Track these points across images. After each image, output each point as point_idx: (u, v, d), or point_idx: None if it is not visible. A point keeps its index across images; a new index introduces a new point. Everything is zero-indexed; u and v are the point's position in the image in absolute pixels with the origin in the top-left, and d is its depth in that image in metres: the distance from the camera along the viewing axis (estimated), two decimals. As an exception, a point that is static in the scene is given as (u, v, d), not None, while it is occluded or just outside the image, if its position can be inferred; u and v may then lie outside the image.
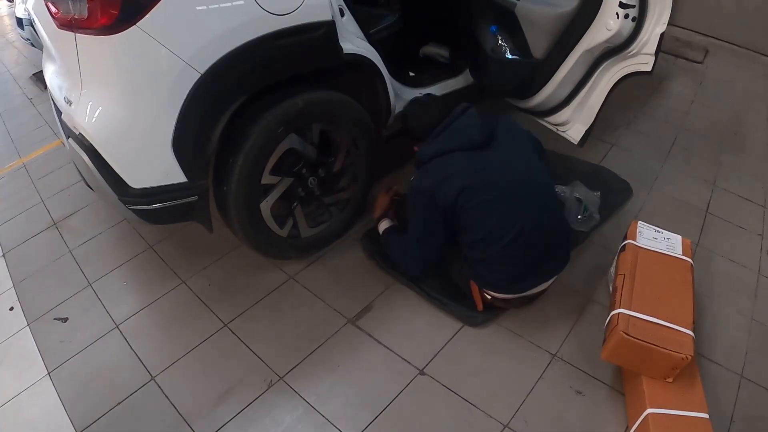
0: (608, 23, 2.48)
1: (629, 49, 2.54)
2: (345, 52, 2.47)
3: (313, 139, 2.57)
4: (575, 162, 3.28)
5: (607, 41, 2.52)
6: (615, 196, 3.10)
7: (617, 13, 2.45)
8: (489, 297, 2.46)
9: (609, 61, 2.63)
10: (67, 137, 2.48)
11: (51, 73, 2.60)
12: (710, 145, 3.79)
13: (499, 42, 2.85)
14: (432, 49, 3.50)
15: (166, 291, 2.76)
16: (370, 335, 2.50)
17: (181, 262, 2.91)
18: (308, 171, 2.64)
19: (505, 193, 2.23)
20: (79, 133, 2.27)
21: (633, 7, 2.44)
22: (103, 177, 2.25)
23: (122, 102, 2.12)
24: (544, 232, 2.30)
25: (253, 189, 2.44)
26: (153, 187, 2.22)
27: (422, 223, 2.41)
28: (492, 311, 2.52)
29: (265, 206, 2.53)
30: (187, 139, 2.17)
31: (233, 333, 2.54)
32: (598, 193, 2.93)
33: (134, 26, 1.99)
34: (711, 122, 4.05)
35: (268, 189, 2.52)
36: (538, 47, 2.74)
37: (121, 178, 2.20)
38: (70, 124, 2.37)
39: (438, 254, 2.48)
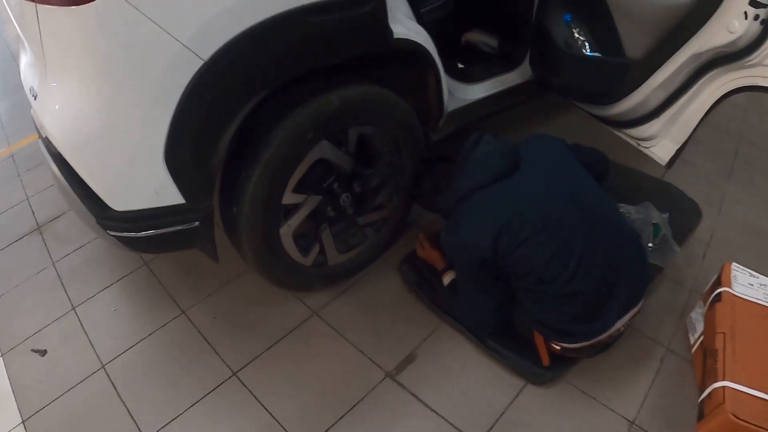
0: (731, 24, 1.71)
1: (749, 58, 1.77)
2: (395, 36, 1.71)
3: (349, 146, 1.82)
4: (637, 175, 2.51)
5: (724, 46, 1.78)
6: (685, 219, 2.36)
7: (745, 13, 1.70)
8: (558, 348, 1.79)
9: (718, 70, 1.87)
10: (39, 137, 1.76)
11: (23, 56, 1.86)
12: None
13: (576, 34, 2.08)
14: (477, 37, 2.68)
15: (163, 323, 2.04)
16: (414, 395, 1.80)
17: (181, 286, 2.17)
18: (341, 186, 1.89)
19: (552, 219, 1.68)
20: (45, 137, 1.55)
21: (766, 6, 1.70)
22: (75, 194, 1.54)
23: (96, 98, 1.40)
24: (611, 256, 1.71)
25: (271, 211, 1.71)
26: (140, 210, 1.51)
27: (467, 281, 1.82)
28: (560, 365, 1.84)
29: (287, 231, 1.80)
30: (184, 149, 1.46)
31: (244, 385, 1.83)
32: (667, 214, 2.21)
33: None
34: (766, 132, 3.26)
35: (290, 210, 1.78)
36: (637, 45, 1.94)
37: (98, 198, 1.49)
38: (37, 122, 1.64)
39: (497, 313, 1.84)
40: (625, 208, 2.20)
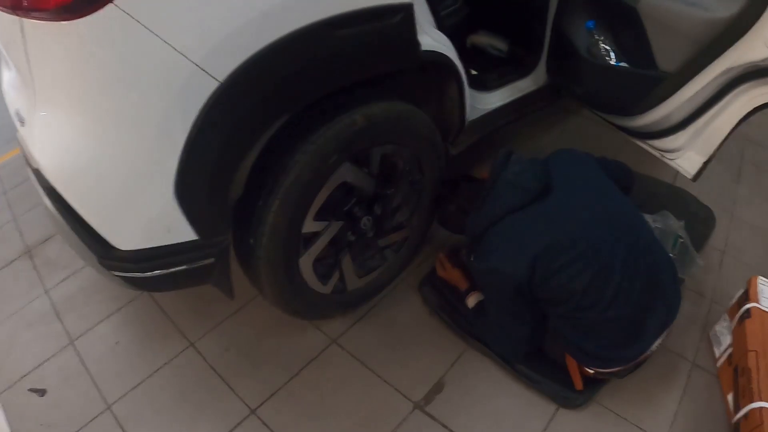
0: None
1: None
2: (423, 48, 1.50)
3: (372, 167, 1.61)
4: (651, 182, 2.35)
5: (762, 60, 1.59)
6: (701, 226, 2.22)
7: None
8: (591, 371, 1.63)
9: (750, 83, 1.69)
10: (27, 164, 1.51)
11: (4, 70, 1.60)
12: None
13: (600, 43, 1.89)
14: (484, 39, 2.46)
15: (170, 357, 1.80)
16: (446, 426, 1.62)
17: (187, 314, 1.93)
18: (361, 209, 1.67)
19: (590, 244, 1.50)
20: (36, 168, 1.31)
21: None
22: (73, 231, 1.30)
23: (95, 125, 1.18)
24: (648, 280, 1.55)
25: (290, 241, 1.49)
26: (148, 249, 1.28)
27: (499, 308, 1.62)
28: (592, 387, 1.69)
29: (306, 261, 1.58)
30: (197, 181, 1.23)
31: (264, 424, 1.62)
32: (683, 222, 2.06)
33: (109, 4, 1.04)
34: None
35: (309, 239, 1.57)
36: (670, 58, 1.75)
37: (99, 236, 1.26)
38: (24, 150, 1.40)
39: (530, 339, 1.66)
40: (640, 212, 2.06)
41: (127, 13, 1.06)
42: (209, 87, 1.15)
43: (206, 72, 1.13)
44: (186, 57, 1.11)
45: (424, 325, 1.88)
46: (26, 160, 1.48)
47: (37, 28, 1.12)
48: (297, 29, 1.20)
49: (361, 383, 1.72)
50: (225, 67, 1.15)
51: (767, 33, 1.55)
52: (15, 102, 1.43)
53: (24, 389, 1.77)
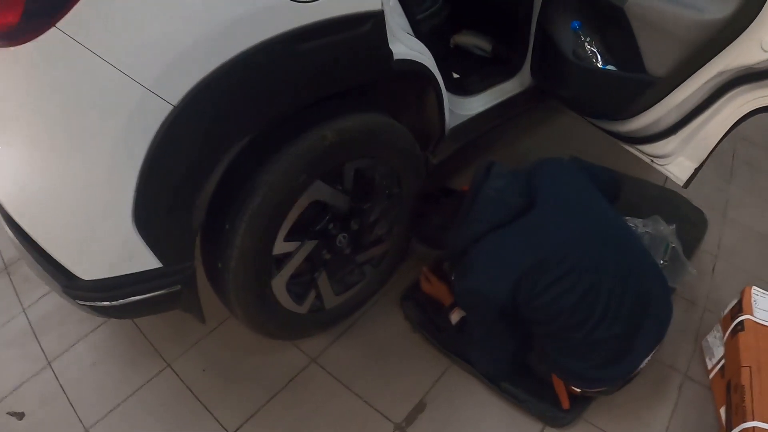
0: (766, 42, 1.47)
1: None
2: (396, 57, 1.43)
3: (345, 184, 1.54)
4: (640, 185, 2.28)
5: (756, 64, 1.52)
6: (692, 230, 2.16)
7: None
8: (578, 390, 1.58)
9: (743, 87, 1.62)
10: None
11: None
12: None
13: (586, 45, 1.82)
14: (468, 39, 2.39)
15: (147, 378, 1.75)
16: (427, 449, 1.58)
17: (164, 333, 1.87)
18: (336, 226, 1.60)
19: (577, 262, 1.43)
20: (-3, 199, 1.26)
21: None
22: (35, 260, 1.25)
23: (47, 156, 1.11)
24: (638, 297, 1.48)
25: (261, 264, 1.43)
26: (111, 278, 1.23)
27: (481, 328, 1.56)
28: (580, 405, 1.63)
29: (279, 283, 1.52)
30: (156, 208, 1.17)
31: (242, 447, 1.59)
32: (674, 226, 1.99)
33: (52, 29, 0.97)
34: (765, 129, 2.91)
35: (282, 260, 1.51)
36: (661, 61, 1.66)
37: (61, 266, 1.21)
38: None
39: (514, 358, 1.62)
40: (632, 221, 1.98)
41: (72, 37, 0.99)
42: (162, 111, 1.08)
43: (158, 95, 1.06)
44: (135, 81, 1.04)
45: (406, 341, 1.83)
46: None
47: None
48: (253, 46, 1.12)
49: (340, 404, 1.67)
50: (178, 89, 1.08)
51: (763, 35, 1.47)
52: None
53: (2, 413, 1.72)
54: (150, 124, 1.09)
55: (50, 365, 1.83)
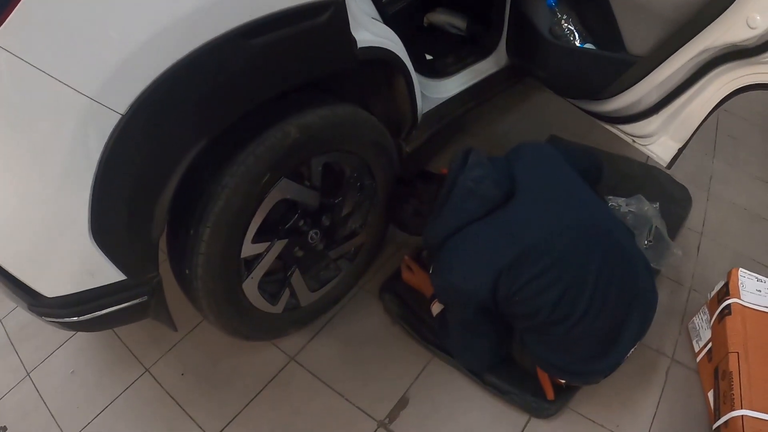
0: (753, 19, 1.40)
1: (764, 55, 1.50)
2: (360, 46, 1.39)
3: (313, 180, 1.50)
4: (623, 163, 2.26)
5: (741, 42, 1.46)
6: (677, 208, 2.15)
7: None
8: (563, 381, 1.58)
9: (727, 66, 1.57)
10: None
11: None
12: (755, 132, 2.75)
13: (563, 23, 1.77)
14: (441, 17, 2.33)
15: (126, 386, 1.74)
16: (411, 445, 1.58)
17: (142, 336, 1.86)
18: (307, 223, 1.58)
19: (559, 255, 1.40)
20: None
21: None
22: (-2, 279, 1.23)
23: None
24: (623, 288, 1.47)
25: (229, 268, 1.41)
26: (75, 294, 1.21)
27: (460, 323, 1.55)
28: (565, 395, 1.63)
29: (250, 285, 1.50)
30: (114, 221, 1.15)
31: (224, 452, 1.59)
32: (657, 204, 1.98)
33: None
34: (748, 101, 2.79)
35: (252, 261, 1.49)
36: (641, 40, 1.63)
37: (23, 284, 1.19)
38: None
39: (495, 351, 1.61)
40: (614, 201, 1.97)
41: (6, 50, 0.96)
42: (110, 121, 1.04)
43: (103, 105, 1.03)
44: (78, 91, 1.01)
45: (386, 335, 1.82)
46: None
47: None
48: (203, 44, 1.08)
49: (322, 403, 1.67)
50: (124, 97, 1.04)
51: (749, 12, 1.41)
52: None
53: (-15, 427, 1.74)
54: (98, 135, 1.05)
55: (29, 376, 1.82)
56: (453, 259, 1.45)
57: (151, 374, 1.76)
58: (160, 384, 1.74)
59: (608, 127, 1.92)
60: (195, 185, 1.31)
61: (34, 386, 1.80)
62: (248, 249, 1.42)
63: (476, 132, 2.53)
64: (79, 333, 1.89)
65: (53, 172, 1.07)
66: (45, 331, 1.92)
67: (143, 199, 1.17)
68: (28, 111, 1.02)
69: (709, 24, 1.49)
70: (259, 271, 1.50)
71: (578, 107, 1.97)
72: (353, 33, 1.36)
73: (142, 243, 1.23)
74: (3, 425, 1.72)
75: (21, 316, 1.99)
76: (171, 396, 1.71)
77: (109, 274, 1.21)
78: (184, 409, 1.67)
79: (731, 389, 1.53)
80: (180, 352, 1.81)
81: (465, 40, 2.22)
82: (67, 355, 1.86)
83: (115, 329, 1.89)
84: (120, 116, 1.05)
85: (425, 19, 2.36)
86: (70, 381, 1.80)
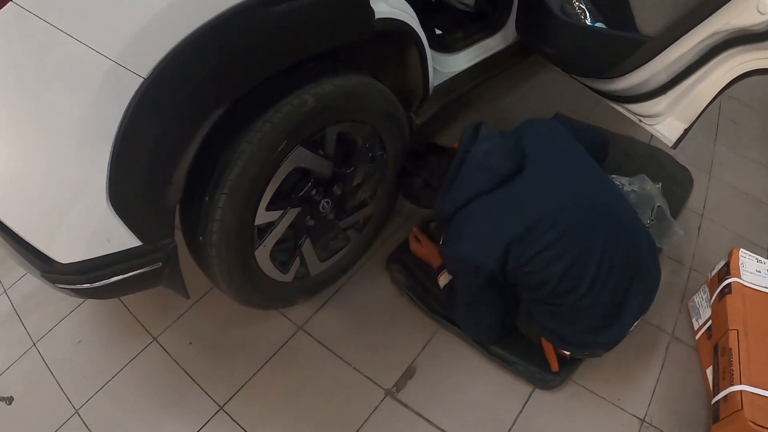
0: (764, 5, 1.43)
1: None
2: (378, 17, 1.40)
3: (327, 149, 1.52)
4: (626, 142, 2.30)
5: (752, 26, 1.49)
6: (678, 188, 2.19)
7: None
8: (567, 353, 1.63)
9: (737, 49, 1.60)
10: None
11: None
12: (755, 117, 2.80)
13: (574, 2, 1.76)
14: (450, -9, 2.36)
15: (134, 354, 1.76)
16: (419, 414, 1.61)
17: (148, 307, 1.87)
18: (319, 192, 1.60)
19: (567, 228, 1.44)
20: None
21: None
22: (10, 245, 1.23)
23: (13, 138, 1.09)
24: (628, 262, 1.52)
25: (243, 235, 1.42)
26: (90, 260, 1.21)
27: (468, 294, 1.57)
28: (569, 367, 1.69)
29: (263, 253, 1.52)
30: (132, 186, 1.15)
31: (233, 420, 1.61)
32: (659, 184, 2.02)
33: (9, 3, 0.95)
34: (749, 87, 2.82)
35: (264, 229, 1.50)
36: (652, 21, 1.64)
37: (37, 250, 1.20)
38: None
39: (502, 323, 1.65)
40: (618, 180, 2.00)
41: (30, 11, 0.96)
42: (132, 84, 1.05)
43: (126, 68, 1.03)
44: (101, 54, 1.02)
45: (393, 305, 1.86)
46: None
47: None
48: (225, 11, 1.09)
49: (330, 372, 1.71)
50: (147, 61, 1.05)
51: None
52: None
53: (-8, 397, 1.75)
54: (120, 99, 1.06)
55: (35, 346, 1.83)
56: (463, 230, 1.48)
57: (158, 343, 1.78)
58: (167, 353, 1.76)
59: (615, 106, 1.95)
60: (211, 152, 1.32)
61: (41, 356, 1.81)
62: (262, 216, 1.44)
63: (481, 108, 2.55)
64: (86, 303, 1.92)
65: (72, 136, 1.08)
66: (51, 302, 1.94)
67: (162, 164, 1.18)
68: (49, 73, 1.03)
69: (720, 7, 1.51)
70: (271, 239, 1.52)
71: (586, 85, 1.99)
72: (371, 4, 1.38)
73: (158, 209, 1.24)
74: (10, 396, 1.73)
75: (26, 286, 1.99)
76: (179, 364, 1.73)
77: (125, 240, 1.22)
78: (192, 377, 1.70)
79: (731, 365, 1.58)
80: (187, 321, 1.83)
81: (473, 16, 2.22)
82: (73, 325, 1.87)
83: (122, 299, 1.90)
84: (142, 80, 1.05)
85: (434, -6, 2.36)
86: (76, 351, 1.81)
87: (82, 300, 1.91)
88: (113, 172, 1.11)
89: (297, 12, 1.21)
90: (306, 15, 1.24)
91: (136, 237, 1.22)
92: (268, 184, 1.39)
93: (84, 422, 1.64)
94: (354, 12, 1.35)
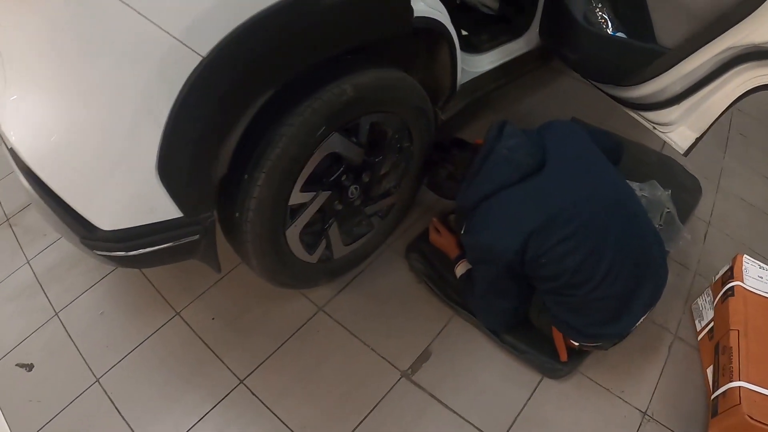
0: None
1: None
2: (416, 14, 1.48)
3: (360, 137, 1.59)
4: (638, 150, 2.38)
5: (764, 43, 1.57)
6: (687, 196, 2.26)
7: None
8: (576, 344, 1.70)
9: (749, 64, 1.67)
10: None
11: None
12: (764, 131, 2.87)
13: (597, 11, 1.86)
14: (474, -5, 2.45)
15: (156, 327, 1.82)
16: (432, 396, 1.68)
17: (171, 283, 1.94)
18: (349, 178, 1.67)
19: (584, 222, 1.52)
20: (11, 148, 1.29)
21: None
22: (53, 211, 1.29)
23: (71, 105, 1.16)
24: (638, 259, 1.60)
25: (277, 214, 1.49)
26: (132, 228, 1.27)
27: (486, 282, 1.65)
28: (576, 358, 1.76)
29: (293, 233, 1.59)
30: (181, 159, 1.22)
31: (253, 394, 1.67)
32: (669, 191, 2.11)
33: None
34: (759, 102, 2.94)
35: (296, 210, 1.57)
36: (671, 33, 1.74)
37: (80, 216, 1.25)
38: (-1, 129, 1.37)
39: (516, 312, 1.72)
40: (630, 185, 2.07)
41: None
42: (192, 62, 1.12)
43: (188, 47, 1.10)
44: (166, 31, 1.08)
45: (411, 292, 1.93)
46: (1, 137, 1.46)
47: (4, 4, 1.10)
48: (282, 0, 1.17)
49: (348, 352, 1.77)
50: (208, 41, 1.12)
51: None
52: None
53: (11, 365, 1.79)
54: (178, 74, 1.13)
55: (58, 316, 1.89)
56: (487, 220, 1.56)
57: (181, 317, 1.85)
58: (190, 327, 1.82)
59: (631, 112, 2.03)
60: (253, 133, 1.39)
61: (63, 326, 1.86)
62: (296, 197, 1.50)
63: (501, 108, 2.64)
64: (109, 276, 1.97)
65: (130, 108, 1.15)
66: (73, 274, 2.00)
67: (211, 140, 1.25)
68: (114, 45, 1.10)
69: (736, 24, 1.59)
70: (302, 220, 1.58)
71: (603, 92, 2.07)
72: (411, 2, 1.46)
73: (203, 183, 1.31)
74: (30, 362, 1.79)
75: (49, 258, 2.05)
76: (201, 338, 1.80)
77: (168, 210, 1.28)
78: (214, 352, 1.77)
79: (730, 362, 1.66)
80: (210, 298, 1.90)
81: (495, 19, 2.30)
82: (96, 298, 1.93)
83: (145, 274, 1.96)
84: (201, 58, 1.12)
85: (460, -5, 2.44)
86: (99, 322, 1.87)
87: (105, 273, 1.98)
88: (164, 144, 1.17)
89: (345, 5, 1.30)
90: (353, 8, 1.32)
91: (178, 208, 1.29)
92: (304, 166, 1.46)
93: (104, 390, 1.70)
94: (396, 9, 1.44)
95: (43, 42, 1.12)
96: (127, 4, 1.05)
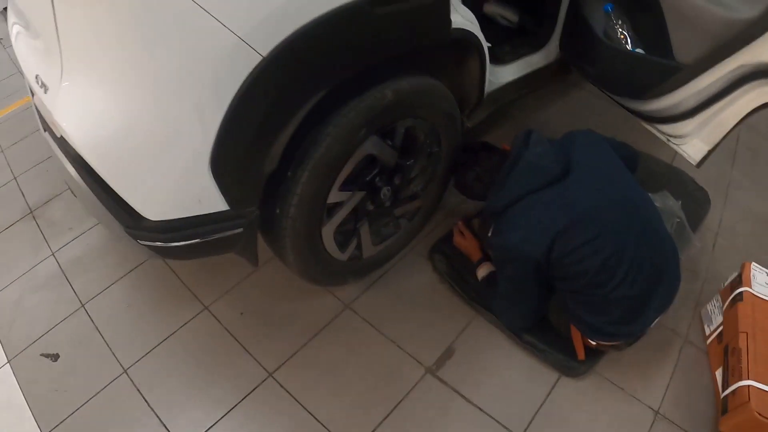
0: None
1: None
2: (453, 26, 1.56)
3: (395, 141, 1.66)
4: (650, 161, 2.45)
5: None
6: (696, 207, 2.33)
7: None
8: (593, 343, 1.76)
9: (759, 81, 1.76)
10: (44, 129, 1.52)
11: (15, 27, 1.57)
12: None
13: (617, 27, 1.95)
14: (495, 9, 2.50)
15: (185, 320, 1.87)
16: (456, 391, 1.73)
17: (200, 277, 1.98)
18: (383, 180, 1.73)
19: (606, 226, 1.59)
20: (60, 136, 1.32)
21: None
22: (99, 200, 1.34)
23: (129, 95, 1.20)
24: (655, 263, 1.65)
25: (315, 211, 1.55)
26: (178, 219, 1.32)
27: (510, 282, 1.73)
28: (593, 358, 1.82)
29: (328, 230, 1.65)
30: (234, 155, 1.28)
31: (282, 387, 1.71)
32: (680, 201, 2.18)
33: None
34: (766, 119, 2.99)
35: (333, 208, 1.63)
36: (688, 51, 1.82)
37: (129, 206, 1.30)
38: (46, 117, 1.40)
39: (536, 312, 1.79)
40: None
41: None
42: (252, 61, 1.18)
43: (250, 46, 1.16)
44: (230, 30, 1.14)
45: (434, 291, 1.98)
46: (45, 126, 1.49)
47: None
48: (341, 6, 1.23)
49: (374, 348, 1.82)
50: (269, 41, 1.18)
51: None
52: (35, 67, 1.41)
53: (36, 354, 1.82)
54: (239, 72, 1.18)
55: (84, 307, 1.92)
56: (516, 222, 1.62)
57: (210, 312, 1.89)
58: (219, 321, 1.86)
59: (646, 125, 2.11)
60: (297, 132, 1.43)
61: (89, 317, 1.90)
62: (334, 196, 1.56)
63: (520, 118, 2.73)
64: (135, 270, 2.01)
65: (189, 102, 1.20)
66: (99, 266, 2.04)
67: (265, 137, 1.31)
68: (177, 41, 1.15)
69: (749, 44, 1.68)
70: (337, 218, 1.64)
71: (620, 104, 2.16)
72: (450, 14, 1.53)
73: (252, 178, 1.36)
74: (56, 352, 1.82)
75: (74, 251, 2.09)
76: (230, 332, 1.84)
77: (215, 203, 1.32)
78: (242, 345, 1.81)
79: (739, 363, 1.72)
80: (239, 293, 1.94)
81: (515, 32, 2.39)
82: (122, 290, 1.97)
83: (173, 268, 2.00)
84: (261, 58, 1.18)
85: (484, 8, 2.52)
86: (126, 315, 1.90)
87: (132, 267, 2.02)
88: (220, 138, 1.22)
89: (395, 15, 1.37)
90: (401, 18, 1.39)
91: (225, 201, 1.33)
92: (344, 165, 1.52)
93: (132, 381, 1.73)
94: (438, 20, 1.51)
95: (107, 33, 1.17)
96: (196, 2, 1.11)
